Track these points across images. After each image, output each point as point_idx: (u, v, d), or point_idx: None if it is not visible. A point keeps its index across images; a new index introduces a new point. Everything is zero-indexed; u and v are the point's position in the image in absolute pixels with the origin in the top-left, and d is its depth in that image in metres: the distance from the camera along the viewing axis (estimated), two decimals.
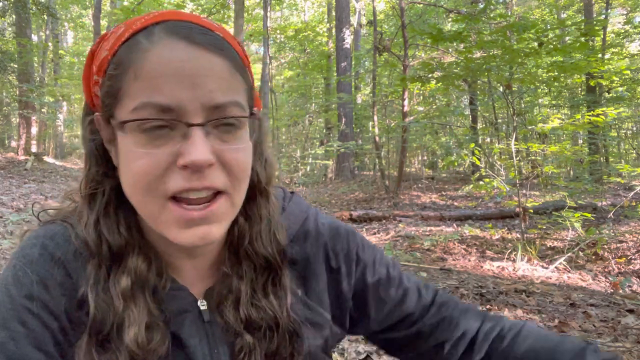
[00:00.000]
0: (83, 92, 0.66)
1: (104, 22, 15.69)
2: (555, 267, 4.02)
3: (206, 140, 0.56)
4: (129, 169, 0.58)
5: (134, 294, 0.61)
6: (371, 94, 12.38)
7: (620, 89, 10.75)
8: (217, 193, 0.59)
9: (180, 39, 0.57)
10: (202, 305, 0.68)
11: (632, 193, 6.40)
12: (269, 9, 14.92)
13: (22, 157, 11.94)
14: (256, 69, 16.90)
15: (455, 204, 8.48)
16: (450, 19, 12.71)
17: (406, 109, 9.11)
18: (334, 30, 15.63)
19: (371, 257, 0.78)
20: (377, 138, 10.74)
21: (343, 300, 0.76)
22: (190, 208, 0.57)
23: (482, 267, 4.17)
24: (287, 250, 0.72)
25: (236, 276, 0.68)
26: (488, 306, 2.95)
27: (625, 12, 15.00)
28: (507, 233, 5.52)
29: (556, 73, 5.54)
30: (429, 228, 6.03)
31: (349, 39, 13.83)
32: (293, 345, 0.68)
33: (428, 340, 0.78)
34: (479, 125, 12.70)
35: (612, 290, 3.39)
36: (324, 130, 17.40)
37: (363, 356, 2.38)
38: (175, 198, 0.57)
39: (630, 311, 2.81)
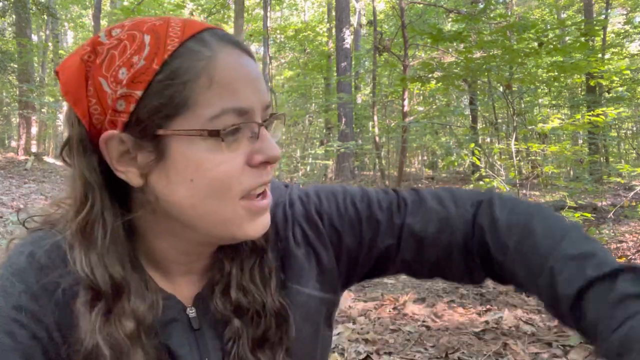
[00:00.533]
0: (78, 113, 0.59)
1: (104, 22, 15.67)
2: None
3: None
4: (207, 176, 0.57)
5: (139, 336, 0.60)
6: (371, 94, 12.39)
7: (620, 89, 10.75)
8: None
9: (234, 46, 0.61)
10: (191, 312, 0.67)
11: (632, 193, 6.40)
12: (269, 9, 14.91)
13: (22, 157, 11.94)
14: None
15: None
16: (450, 19, 12.70)
17: (406, 109, 9.11)
18: (334, 30, 15.62)
19: (334, 205, 0.74)
20: (377, 138, 10.75)
21: (325, 268, 0.73)
22: (258, 199, 0.62)
23: None
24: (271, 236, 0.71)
25: (227, 259, 0.69)
26: (488, 306, 2.95)
27: (625, 12, 15.00)
28: None
29: (556, 73, 5.55)
30: None
31: (349, 39, 13.83)
32: (281, 329, 0.68)
33: (435, 248, 0.69)
34: (479, 125, 12.70)
35: None
36: (324, 130, 17.40)
37: (363, 356, 2.38)
38: (243, 197, 0.61)
39: None
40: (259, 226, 0.63)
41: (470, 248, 0.68)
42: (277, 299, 0.69)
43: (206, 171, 0.57)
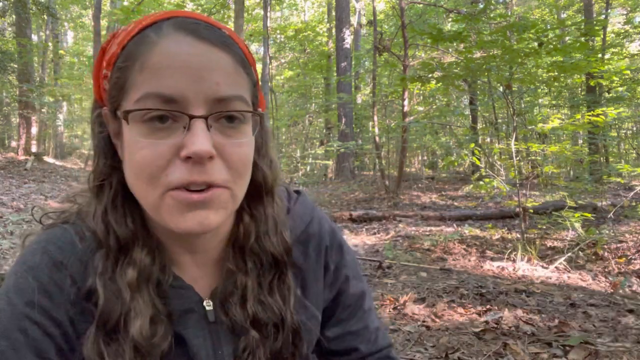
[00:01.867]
0: (93, 89, 0.68)
1: (104, 22, 15.69)
2: (555, 267, 4.02)
3: (208, 132, 0.56)
4: (132, 159, 0.58)
5: (139, 285, 0.62)
6: (371, 94, 12.37)
7: (620, 89, 10.75)
8: (217, 187, 0.59)
9: (187, 33, 0.58)
10: (208, 305, 0.68)
11: (632, 193, 6.40)
12: (269, 9, 14.91)
13: (22, 157, 11.93)
14: (256, 69, 16.87)
15: (455, 204, 8.47)
16: (450, 19, 12.70)
17: (406, 109, 9.10)
18: (334, 30, 15.62)
19: (355, 283, 0.81)
20: (377, 138, 10.74)
21: (323, 303, 0.79)
22: (191, 192, 0.57)
23: (482, 267, 4.17)
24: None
25: (242, 273, 0.68)
26: (488, 306, 2.95)
27: (625, 12, 14.99)
28: (507, 233, 5.52)
29: (556, 73, 5.54)
30: (429, 228, 6.03)
31: (349, 39, 13.83)
32: (295, 345, 0.69)
33: None
34: (479, 125, 12.70)
35: (612, 290, 3.39)
36: (324, 130, 17.40)
37: None
38: (176, 188, 0.58)
39: (630, 311, 2.81)
40: (189, 222, 0.58)
41: None
42: (295, 315, 0.69)
43: (132, 154, 0.58)
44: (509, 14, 10.91)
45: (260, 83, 0.70)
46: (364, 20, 16.00)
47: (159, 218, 0.60)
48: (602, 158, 11.14)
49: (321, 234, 0.76)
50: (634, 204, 5.77)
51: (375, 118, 10.98)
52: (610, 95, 10.84)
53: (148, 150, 0.56)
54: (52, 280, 0.61)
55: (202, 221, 0.58)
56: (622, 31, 11.97)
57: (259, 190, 0.69)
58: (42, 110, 14.71)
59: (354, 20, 15.09)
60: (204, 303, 0.68)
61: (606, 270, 3.98)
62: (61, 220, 0.68)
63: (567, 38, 6.21)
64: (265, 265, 0.69)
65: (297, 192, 0.81)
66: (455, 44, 6.91)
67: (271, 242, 0.69)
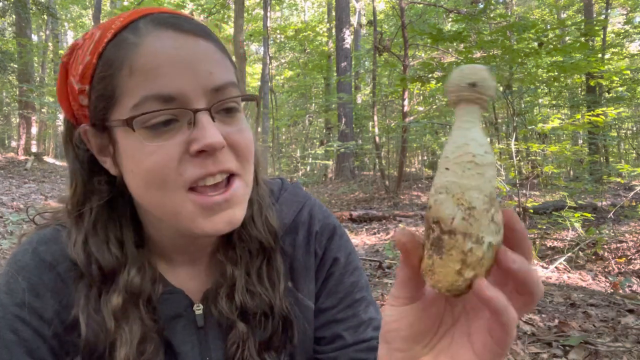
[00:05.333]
0: (62, 110, 0.63)
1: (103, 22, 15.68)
2: (555, 267, 4.02)
3: (213, 123, 0.56)
4: (141, 167, 0.56)
5: (126, 311, 0.60)
6: (371, 94, 12.38)
7: (620, 89, 10.74)
8: (231, 176, 0.59)
9: (168, 28, 0.56)
10: (198, 309, 0.67)
11: (632, 193, 6.40)
12: (269, 9, 14.91)
13: (22, 157, 11.93)
14: (256, 69, 16.92)
15: None
16: (450, 19, 12.70)
17: (406, 109, 9.10)
18: (334, 30, 15.61)
19: (349, 266, 0.75)
20: (377, 138, 10.74)
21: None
22: (212, 194, 0.57)
23: None
24: (280, 240, 0.71)
25: (231, 263, 0.67)
26: None
27: (625, 12, 14.99)
28: None
29: (556, 73, 5.54)
30: None
31: (349, 39, 13.83)
32: (286, 333, 0.68)
33: None
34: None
35: (612, 290, 3.39)
36: (324, 130, 17.39)
37: None
38: (193, 189, 0.57)
39: (630, 311, 2.81)
40: (218, 224, 0.58)
41: None
42: (284, 301, 0.67)
43: (139, 162, 0.56)
44: (509, 14, 10.91)
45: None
46: (364, 20, 15.99)
47: (179, 224, 0.58)
48: (602, 158, 11.14)
49: (311, 221, 0.74)
50: (634, 204, 5.77)
51: (375, 118, 10.98)
52: (610, 95, 10.84)
53: (158, 154, 0.54)
54: (42, 280, 0.61)
55: (230, 220, 0.58)
56: (622, 31, 11.96)
57: None
58: (42, 110, 14.73)
59: (354, 20, 15.08)
60: (194, 307, 0.67)
61: (606, 270, 3.98)
62: (54, 221, 0.68)
63: (567, 38, 6.21)
64: (253, 252, 0.68)
65: (292, 183, 0.80)
66: (455, 44, 6.90)
67: (257, 228, 0.68)
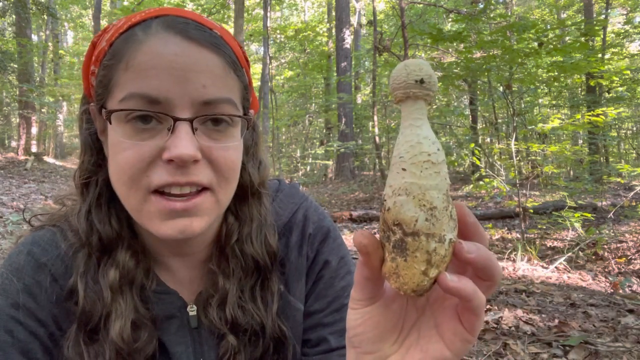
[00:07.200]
0: (82, 83, 0.67)
1: (104, 22, 15.67)
2: (555, 267, 4.02)
3: (193, 135, 0.55)
4: (115, 161, 0.57)
5: (121, 287, 0.61)
6: (371, 94, 12.37)
7: (620, 89, 10.74)
8: (202, 189, 0.58)
9: (175, 33, 0.57)
10: (192, 310, 0.67)
11: (632, 193, 6.40)
12: (269, 9, 14.91)
13: (22, 157, 11.93)
14: (256, 69, 16.90)
15: None
16: (450, 19, 12.70)
17: None
18: (334, 30, 15.62)
19: (342, 278, 0.74)
20: (377, 138, 10.74)
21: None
22: (173, 199, 0.56)
23: None
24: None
25: (222, 274, 0.67)
26: (488, 306, 2.94)
27: (625, 12, 14.99)
28: (507, 233, 5.52)
29: (556, 73, 5.54)
30: None
31: (349, 39, 13.82)
32: (278, 353, 0.67)
33: None
34: (479, 125, 12.69)
35: (612, 290, 3.39)
36: (324, 130, 17.39)
37: None
38: (158, 192, 0.57)
39: (630, 311, 2.80)
40: (170, 229, 0.57)
41: None
42: (277, 323, 0.67)
43: (115, 154, 0.57)
44: (509, 14, 10.91)
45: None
46: (364, 20, 15.99)
47: (140, 222, 0.59)
48: (602, 158, 11.13)
49: (306, 223, 0.74)
50: (634, 204, 5.76)
51: (375, 118, 10.98)
52: (610, 95, 10.84)
53: (131, 151, 0.55)
54: (36, 281, 0.62)
55: (184, 229, 0.57)
56: (622, 31, 11.96)
57: (244, 191, 0.68)
58: (42, 110, 14.72)
59: (354, 20, 15.08)
60: (188, 308, 0.67)
61: (606, 270, 3.98)
62: (49, 222, 0.68)
63: (567, 38, 6.21)
64: (248, 270, 0.67)
65: (291, 184, 0.80)
66: (455, 44, 6.90)
67: (253, 246, 0.67)
